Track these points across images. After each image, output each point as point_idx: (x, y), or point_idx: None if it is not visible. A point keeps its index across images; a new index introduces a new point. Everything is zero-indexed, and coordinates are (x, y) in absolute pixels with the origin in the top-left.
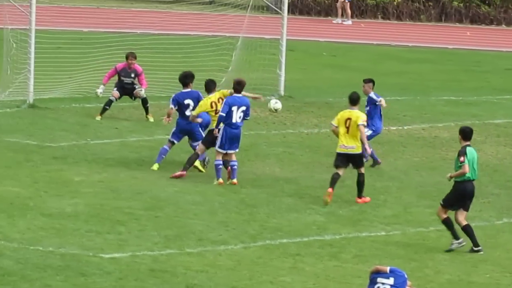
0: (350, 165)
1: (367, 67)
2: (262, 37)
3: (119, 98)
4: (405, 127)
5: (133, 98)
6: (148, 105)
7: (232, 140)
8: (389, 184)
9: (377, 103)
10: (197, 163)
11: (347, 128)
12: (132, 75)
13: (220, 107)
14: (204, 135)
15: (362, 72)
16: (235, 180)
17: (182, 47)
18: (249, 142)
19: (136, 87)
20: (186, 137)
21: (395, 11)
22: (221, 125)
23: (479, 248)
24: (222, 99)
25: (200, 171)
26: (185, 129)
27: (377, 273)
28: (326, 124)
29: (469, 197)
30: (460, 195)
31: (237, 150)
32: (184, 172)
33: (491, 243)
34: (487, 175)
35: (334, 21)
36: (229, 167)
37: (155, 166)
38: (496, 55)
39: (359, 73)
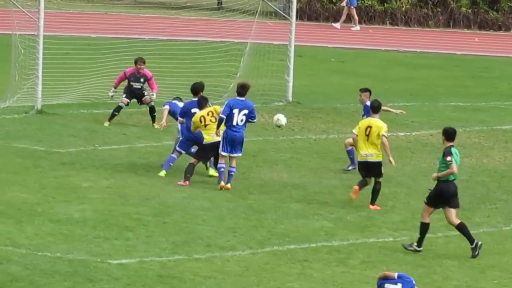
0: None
1: (375, 73)
2: (270, 43)
3: (128, 104)
4: (413, 133)
5: (139, 103)
6: (155, 113)
7: (233, 142)
8: (397, 190)
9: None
10: (211, 171)
11: (367, 136)
12: (142, 80)
13: (209, 120)
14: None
15: (371, 78)
16: (228, 185)
17: (190, 53)
18: (257, 148)
19: (145, 93)
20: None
21: (403, 17)
22: (222, 128)
23: (476, 242)
24: (213, 113)
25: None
26: (192, 138)
27: (385, 279)
28: (334, 130)
29: (453, 195)
30: (444, 195)
31: (240, 154)
32: (187, 182)
33: (499, 249)
34: (495, 181)
35: (334, 25)
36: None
37: (163, 173)
38: (504, 61)
39: (367, 79)
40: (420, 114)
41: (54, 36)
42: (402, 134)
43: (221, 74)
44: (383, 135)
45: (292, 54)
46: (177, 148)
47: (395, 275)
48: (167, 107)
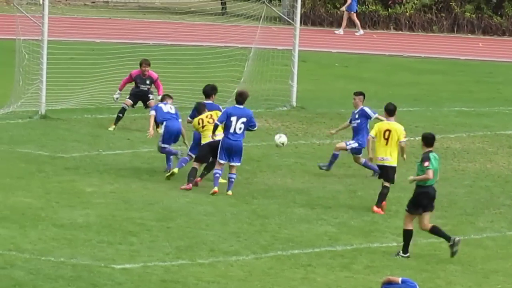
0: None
1: (379, 78)
2: (275, 48)
3: (133, 105)
4: (417, 138)
5: (145, 106)
6: None
7: (229, 151)
8: (401, 195)
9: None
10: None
11: (387, 140)
12: (148, 82)
13: (206, 122)
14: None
15: (375, 83)
16: (229, 192)
17: (194, 58)
18: (261, 153)
19: (151, 96)
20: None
21: (407, 22)
22: (218, 133)
23: (453, 239)
24: (211, 116)
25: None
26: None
27: (388, 284)
28: (338, 135)
29: (431, 200)
30: (423, 199)
31: (238, 164)
32: (191, 185)
33: (503, 253)
34: (498, 185)
35: (336, 32)
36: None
37: (176, 170)
38: (508, 66)
39: (371, 84)
40: (424, 119)
41: (58, 41)
42: (406, 139)
43: (225, 79)
44: (403, 141)
45: (296, 59)
46: (189, 153)
47: (399, 280)
48: (153, 113)
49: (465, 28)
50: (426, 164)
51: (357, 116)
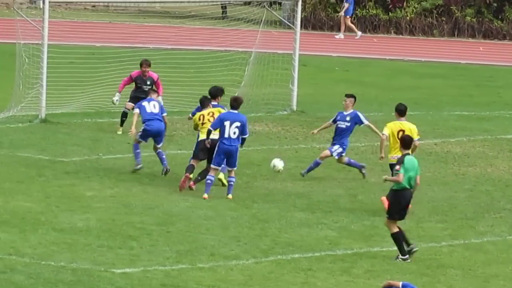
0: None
1: (380, 82)
2: (275, 52)
3: (133, 108)
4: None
5: None
6: None
7: (224, 155)
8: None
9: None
10: (221, 175)
11: (400, 139)
12: (148, 83)
13: (207, 119)
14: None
15: (375, 87)
16: (230, 196)
17: (194, 62)
18: (261, 157)
19: None
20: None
21: (408, 26)
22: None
23: (405, 257)
24: (213, 114)
25: (223, 184)
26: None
27: None
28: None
29: (407, 205)
30: (400, 203)
31: (234, 168)
32: (188, 174)
33: (503, 258)
34: (499, 190)
35: (336, 37)
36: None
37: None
38: (509, 70)
39: (371, 88)
40: (425, 123)
41: (58, 45)
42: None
43: (226, 83)
44: (416, 140)
45: (296, 63)
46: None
47: (400, 284)
48: (136, 111)
49: (465, 32)
50: (397, 167)
51: (348, 119)
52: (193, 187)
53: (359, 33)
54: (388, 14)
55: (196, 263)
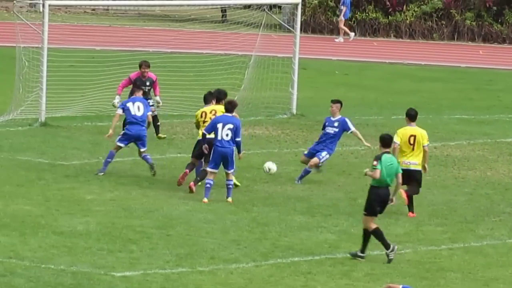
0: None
1: (380, 85)
2: (275, 55)
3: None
4: None
5: None
6: (159, 123)
7: (221, 158)
8: (401, 202)
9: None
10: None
11: (412, 145)
12: (147, 84)
13: (209, 117)
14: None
15: (375, 90)
16: (229, 199)
17: (194, 65)
18: (261, 160)
19: (151, 101)
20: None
21: (407, 30)
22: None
23: (363, 255)
24: (215, 112)
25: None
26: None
27: None
28: (338, 143)
29: (384, 202)
30: (377, 200)
31: (232, 170)
32: (187, 171)
33: (503, 261)
34: (499, 193)
35: (336, 40)
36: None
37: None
38: (509, 74)
39: (371, 91)
40: (424, 127)
41: (58, 48)
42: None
43: (226, 87)
44: (426, 145)
45: (296, 67)
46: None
47: (399, 287)
48: (119, 111)
49: (465, 36)
50: (374, 163)
51: (336, 124)
52: (193, 188)
53: (352, 34)
54: (388, 17)
55: (196, 266)
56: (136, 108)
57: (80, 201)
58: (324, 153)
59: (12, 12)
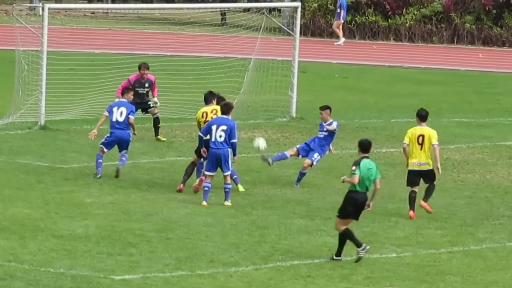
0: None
1: (379, 88)
2: (274, 58)
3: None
4: None
5: (144, 112)
6: (159, 125)
7: (214, 160)
8: (401, 205)
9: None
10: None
11: (421, 145)
12: (146, 85)
13: (210, 117)
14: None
15: (374, 94)
16: (227, 203)
17: (194, 68)
18: (260, 164)
19: (151, 104)
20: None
21: (407, 33)
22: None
23: (340, 258)
24: (216, 111)
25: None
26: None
27: None
28: (338, 146)
29: (360, 207)
30: (352, 204)
31: (228, 172)
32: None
33: (502, 264)
34: (498, 196)
35: (335, 43)
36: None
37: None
38: (508, 77)
39: (371, 95)
40: None
41: (57, 52)
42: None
43: (225, 90)
44: (435, 144)
45: (295, 70)
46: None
47: None
48: (106, 113)
49: (465, 39)
50: (353, 168)
51: (325, 129)
52: (183, 189)
53: (342, 39)
54: (388, 21)
55: (196, 270)
56: (119, 113)
57: (80, 204)
58: (316, 154)
59: (11, 15)
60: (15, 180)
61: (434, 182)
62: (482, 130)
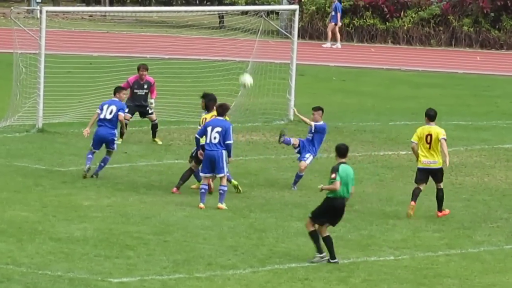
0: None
1: (377, 91)
2: (272, 61)
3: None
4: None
5: (142, 117)
6: (157, 129)
7: (209, 162)
8: (398, 208)
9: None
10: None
11: (429, 143)
12: (145, 87)
13: None
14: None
15: (372, 96)
16: (219, 205)
17: (192, 71)
18: (258, 166)
19: (149, 110)
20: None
21: (405, 36)
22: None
23: (336, 260)
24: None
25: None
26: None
27: None
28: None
29: (338, 214)
30: (329, 211)
31: (222, 174)
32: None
33: (500, 267)
34: (496, 199)
35: (333, 46)
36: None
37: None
38: (506, 80)
39: (369, 97)
40: None
41: (55, 54)
42: (404, 153)
43: (223, 93)
44: (442, 138)
45: (293, 73)
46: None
47: None
48: (98, 111)
49: (463, 42)
50: (333, 176)
51: (313, 130)
52: (176, 192)
53: (329, 44)
54: (385, 23)
55: (193, 272)
56: (108, 111)
57: (77, 207)
58: (308, 155)
59: (9, 18)
60: (13, 183)
61: (441, 185)
62: (480, 133)
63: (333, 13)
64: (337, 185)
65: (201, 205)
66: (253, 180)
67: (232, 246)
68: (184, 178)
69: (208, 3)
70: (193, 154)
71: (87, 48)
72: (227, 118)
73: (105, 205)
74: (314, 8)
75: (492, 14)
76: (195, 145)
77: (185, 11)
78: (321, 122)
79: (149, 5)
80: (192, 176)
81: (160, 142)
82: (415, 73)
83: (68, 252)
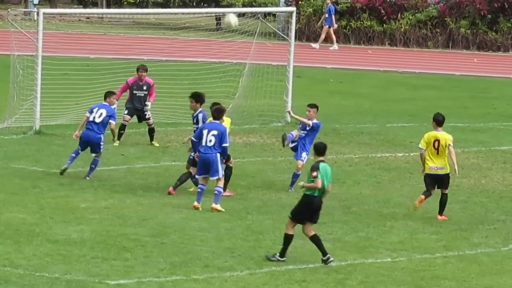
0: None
1: (374, 93)
2: (269, 63)
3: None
4: (412, 154)
5: (140, 121)
6: (154, 133)
7: (204, 164)
8: (396, 210)
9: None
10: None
11: (437, 149)
12: (145, 88)
13: None
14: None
15: (369, 98)
16: (213, 205)
17: (189, 73)
18: (255, 168)
19: (147, 114)
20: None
21: (402, 38)
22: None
23: (328, 256)
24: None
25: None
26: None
27: None
28: (333, 151)
29: (316, 210)
30: (307, 209)
31: (217, 177)
32: (170, 188)
33: (497, 269)
34: (493, 201)
35: (330, 48)
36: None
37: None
38: (503, 82)
39: (366, 99)
40: (419, 135)
41: (52, 56)
42: (401, 154)
43: (220, 95)
44: (450, 145)
45: (290, 75)
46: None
47: None
48: (87, 114)
49: (460, 44)
50: (314, 174)
51: (307, 128)
52: (172, 192)
53: (317, 45)
54: (383, 25)
55: (191, 274)
56: (98, 115)
57: (75, 209)
58: (304, 154)
59: (6, 20)
60: (10, 185)
61: (447, 191)
62: (477, 135)
63: (326, 15)
64: (319, 183)
65: (196, 203)
66: (250, 182)
67: (229, 248)
68: (182, 180)
69: (205, 5)
70: (190, 159)
71: (84, 50)
72: (226, 119)
73: (103, 207)
74: (311, 10)
75: (489, 16)
76: (191, 147)
77: (182, 13)
78: (316, 120)
79: (146, 7)
80: (189, 179)
81: (157, 144)
82: (412, 75)
83: (66, 254)
